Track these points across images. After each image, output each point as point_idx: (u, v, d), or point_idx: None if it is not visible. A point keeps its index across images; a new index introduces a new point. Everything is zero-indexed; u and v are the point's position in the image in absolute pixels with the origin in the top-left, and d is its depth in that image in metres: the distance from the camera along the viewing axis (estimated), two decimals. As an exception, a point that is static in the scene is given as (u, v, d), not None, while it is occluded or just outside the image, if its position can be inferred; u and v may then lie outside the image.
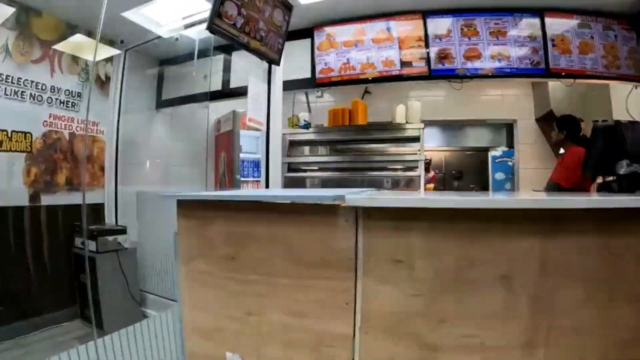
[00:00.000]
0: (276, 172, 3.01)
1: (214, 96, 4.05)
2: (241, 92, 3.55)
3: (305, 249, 1.35)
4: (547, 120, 4.29)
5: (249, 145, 5.78)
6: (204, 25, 2.29)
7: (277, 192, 1.92)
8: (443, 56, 3.50)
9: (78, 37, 3.62)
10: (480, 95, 4.67)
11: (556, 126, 2.87)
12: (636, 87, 3.32)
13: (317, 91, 5.17)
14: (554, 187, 2.65)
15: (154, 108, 4.69)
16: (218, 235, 1.52)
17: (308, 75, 4.02)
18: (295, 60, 4.04)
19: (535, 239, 1.20)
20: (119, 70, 3.99)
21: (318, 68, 3.95)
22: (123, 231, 3.49)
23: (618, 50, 3.27)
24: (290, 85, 4.14)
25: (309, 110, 5.21)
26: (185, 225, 1.57)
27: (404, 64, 3.63)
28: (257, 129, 3.05)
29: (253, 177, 5.70)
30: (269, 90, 2.98)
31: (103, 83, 3.95)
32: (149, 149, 4.47)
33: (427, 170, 5.79)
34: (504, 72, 3.38)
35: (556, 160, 3.01)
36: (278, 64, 2.91)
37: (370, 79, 3.76)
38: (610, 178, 1.75)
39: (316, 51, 3.93)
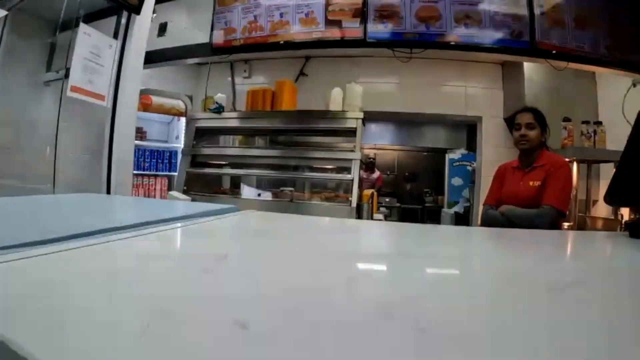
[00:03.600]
0: (125, 170, 1.97)
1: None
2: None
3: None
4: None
5: (158, 132, 4.69)
6: None
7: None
8: (386, 14, 2.55)
9: None
10: (439, 85, 3.82)
11: (536, 121, 1.87)
12: (635, 85, 2.54)
13: (244, 71, 4.19)
14: (554, 215, 1.70)
15: (41, 82, 3.54)
16: None
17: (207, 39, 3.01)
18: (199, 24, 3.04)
19: None
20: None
21: (217, 28, 2.97)
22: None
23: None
24: (180, 53, 3.19)
25: (234, 93, 4.21)
26: None
27: (330, 23, 2.67)
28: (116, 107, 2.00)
29: (161, 171, 4.62)
30: (123, 49, 1.93)
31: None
32: (30, 133, 3.29)
33: (371, 170, 4.97)
34: (473, 42, 2.47)
35: (523, 173, 1.87)
36: (138, 11, 1.87)
37: (281, 42, 2.80)
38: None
39: (217, 7, 2.94)
